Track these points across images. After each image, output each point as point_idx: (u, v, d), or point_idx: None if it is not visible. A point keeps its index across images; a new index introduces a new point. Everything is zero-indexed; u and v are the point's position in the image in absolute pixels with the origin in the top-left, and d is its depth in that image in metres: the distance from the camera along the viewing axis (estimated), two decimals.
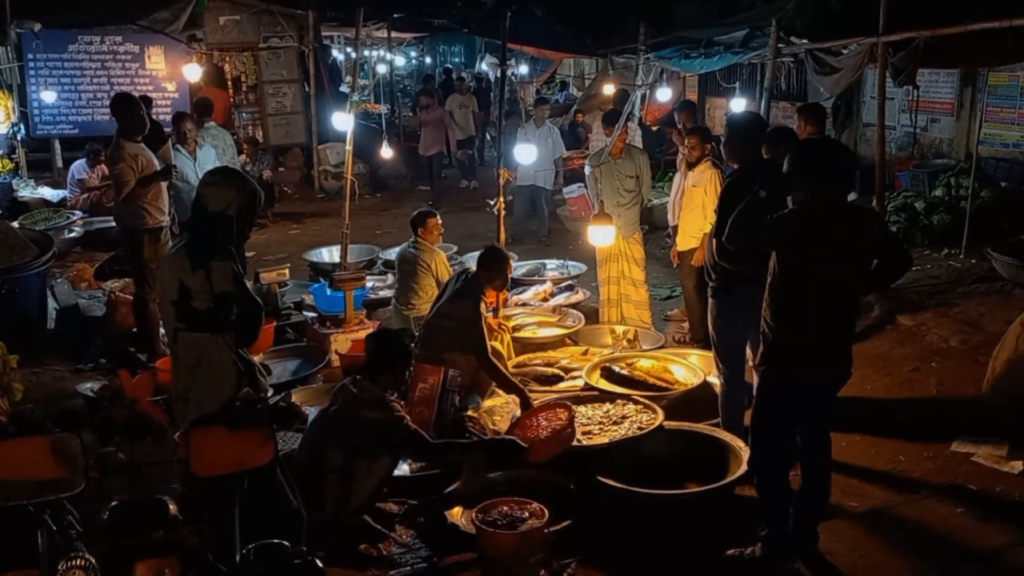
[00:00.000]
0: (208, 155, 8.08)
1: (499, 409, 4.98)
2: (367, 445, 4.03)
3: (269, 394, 4.05)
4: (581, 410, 4.78)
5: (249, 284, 6.37)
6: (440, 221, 6.83)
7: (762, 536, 3.83)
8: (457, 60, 31.62)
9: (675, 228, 7.05)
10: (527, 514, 3.83)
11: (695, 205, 6.31)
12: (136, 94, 7.39)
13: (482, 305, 5.12)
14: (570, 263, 8.08)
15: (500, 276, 5.26)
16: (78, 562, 2.90)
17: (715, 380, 5.25)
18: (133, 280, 6.48)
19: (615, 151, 6.90)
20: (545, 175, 10.53)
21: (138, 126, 6.14)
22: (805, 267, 3.56)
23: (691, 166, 6.40)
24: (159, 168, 6.22)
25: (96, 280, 7.93)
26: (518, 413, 4.74)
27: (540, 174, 10.39)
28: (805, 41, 8.37)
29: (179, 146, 7.71)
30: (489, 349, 5.02)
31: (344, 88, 15.32)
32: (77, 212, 10.25)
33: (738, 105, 10.49)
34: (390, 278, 7.61)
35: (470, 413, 4.82)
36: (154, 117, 9.66)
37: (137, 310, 6.32)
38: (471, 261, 8.40)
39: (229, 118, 13.54)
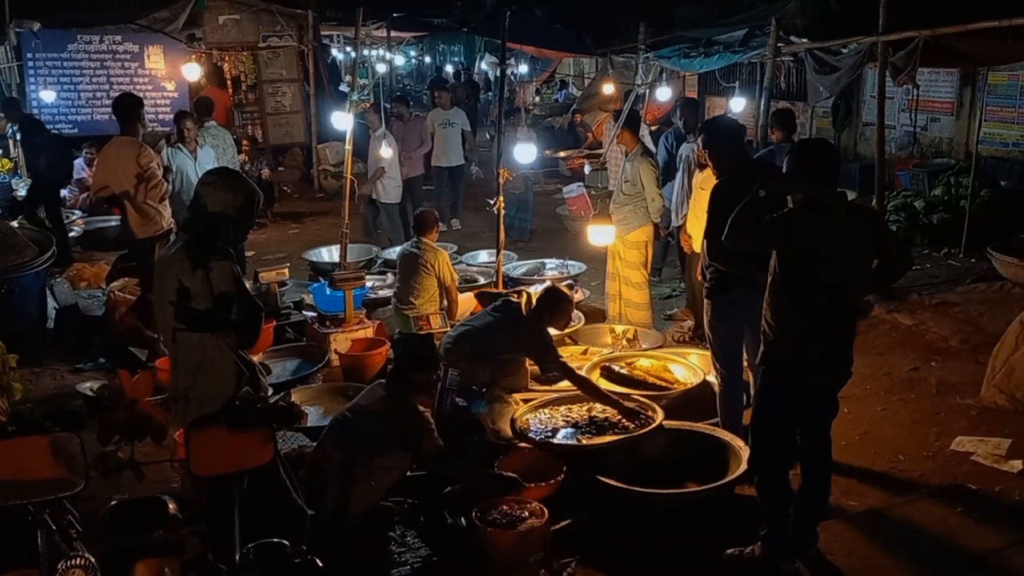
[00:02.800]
0: (208, 155, 8.09)
1: (499, 409, 4.98)
2: (390, 447, 4.06)
3: (269, 393, 4.05)
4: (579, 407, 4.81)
5: (249, 284, 6.44)
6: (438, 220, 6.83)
7: (761, 536, 3.82)
8: (457, 59, 31.63)
9: (678, 229, 7.04)
10: (527, 513, 3.84)
11: (703, 208, 6.27)
12: (137, 94, 7.41)
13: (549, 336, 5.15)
14: (569, 263, 8.08)
15: (564, 316, 5.28)
16: (78, 562, 2.90)
17: (714, 380, 5.26)
18: (143, 283, 6.44)
19: (627, 144, 6.87)
20: (384, 186, 9.44)
21: (141, 127, 6.22)
22: (806, 266, 3.55)
23: (702, 167, 6.37)
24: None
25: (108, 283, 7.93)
26: (518, 413, 4.75)
27: (379, 185, 9.43)
28: (805, 40, 8.38)
29: (180, 145, 7.72)
30: (565, 363, 5.05)
31: (344, 87, 15.30)
32: (76, 211, 10.25)
33: (738, 104, 10.49)
34: (390, 277, 7.60)
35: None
36: (151, 117, 9.72)
37: (141, 311, 6.32)
38: (472, 260, 8.44)
39: (229, 118, 13.54)
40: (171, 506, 3.46)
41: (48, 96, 11.71)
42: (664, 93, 11.08)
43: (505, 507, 3.88)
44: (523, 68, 20.02)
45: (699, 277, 6.41)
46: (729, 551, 3.86)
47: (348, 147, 7.32)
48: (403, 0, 16.29)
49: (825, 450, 3.80)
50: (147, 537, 3.32)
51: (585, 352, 5.97)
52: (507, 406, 4.92)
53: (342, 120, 7.54)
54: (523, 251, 9.13)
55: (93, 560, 2.95)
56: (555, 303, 5.19)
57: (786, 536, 3.78)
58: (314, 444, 4.49)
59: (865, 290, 3.86)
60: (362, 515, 4.08)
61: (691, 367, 5.44)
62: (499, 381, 5.01)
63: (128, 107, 6.27)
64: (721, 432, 4.58)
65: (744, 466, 4.09)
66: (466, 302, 6.70)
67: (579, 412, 4.82)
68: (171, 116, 11.93)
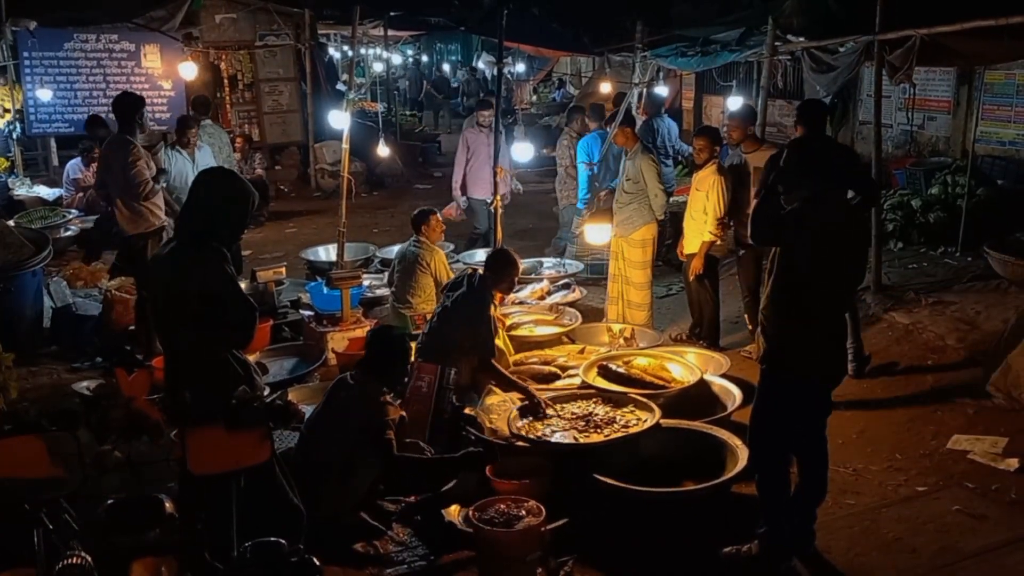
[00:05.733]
0: (206, 154, 8.08)
1: (497, 407, 4.98)
2: (363, 441, 4.04)
3: (266, 393, 4.04)
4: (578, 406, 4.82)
5: (245, 283, 6.44)
6: (442, 219, 6.81)
7: (759, 534, 3.83)
8: (454, 59, 31.63)
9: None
10: (524, 512, 3.83)
11: (697, 209, 6.26)
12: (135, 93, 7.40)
13: (491, 308, 5.11)
14: (567, 261, 8.08)
15: (507, 279, 5.26)
16: (75, 560, 2.90)
17: (712, 378, 5.27)
18: (136, 281, 6.43)
19: (618, 142, 6.86)
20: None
21: (138, 127, 6.28)
22: (806, 265, 3.55)
23: (697, 168, 6.35)
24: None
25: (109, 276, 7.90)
26: (516, 412, 4.75)
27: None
28: (802, 39, 8.37)
29: (179, 148, 7.70)
30: (495, 352, 5.01)
31: (341, 86, 15.30)
32: (73, 211, 10.23)
33: (735, 103, 10.48)
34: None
35: (467, 411, 4.82)
36: (148, 116, 9.64)
37: (140, 310, 6.32)
38: (469, 259, 8.43)
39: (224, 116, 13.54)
40: (168, 505, 3.46)
41: (44, 95, 11.69)
42: (661, 92, 11.10)
43: (502, 506, 3.88)
44: (520, 67, 20.03)
45: (690, 277, 6.45)
46: (727, 549, 3.86)
47: (345, 146, 7.31)
48: None
49: (822, 448, 3.81)
50: (144, 536, 3.32)
51: (582, 351, 5.97)
52: (504, 403, 4.92)
53: (340, 119, 7.52)
54: (520, 250, 9.09)
55: (89, 559, 2.95)
56: (503, 263, 5.23)
57: (784, 534, 3.79)
58: None
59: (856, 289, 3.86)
60: (352, 514, 4.07)
61: (688, 366, 5.44)
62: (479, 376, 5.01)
63: (127, 106, 6.29)
64: (718, 431, 4.58)
65: (741, 465, 4.10)
66: None
67: (577, 411, 4.82)
68: (168, 115, 11.95)
